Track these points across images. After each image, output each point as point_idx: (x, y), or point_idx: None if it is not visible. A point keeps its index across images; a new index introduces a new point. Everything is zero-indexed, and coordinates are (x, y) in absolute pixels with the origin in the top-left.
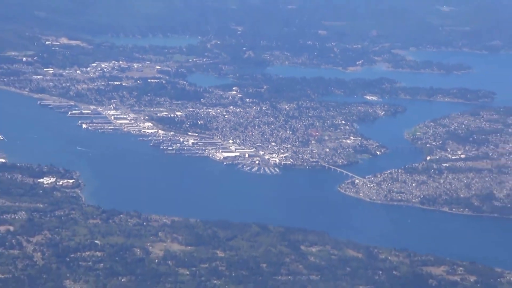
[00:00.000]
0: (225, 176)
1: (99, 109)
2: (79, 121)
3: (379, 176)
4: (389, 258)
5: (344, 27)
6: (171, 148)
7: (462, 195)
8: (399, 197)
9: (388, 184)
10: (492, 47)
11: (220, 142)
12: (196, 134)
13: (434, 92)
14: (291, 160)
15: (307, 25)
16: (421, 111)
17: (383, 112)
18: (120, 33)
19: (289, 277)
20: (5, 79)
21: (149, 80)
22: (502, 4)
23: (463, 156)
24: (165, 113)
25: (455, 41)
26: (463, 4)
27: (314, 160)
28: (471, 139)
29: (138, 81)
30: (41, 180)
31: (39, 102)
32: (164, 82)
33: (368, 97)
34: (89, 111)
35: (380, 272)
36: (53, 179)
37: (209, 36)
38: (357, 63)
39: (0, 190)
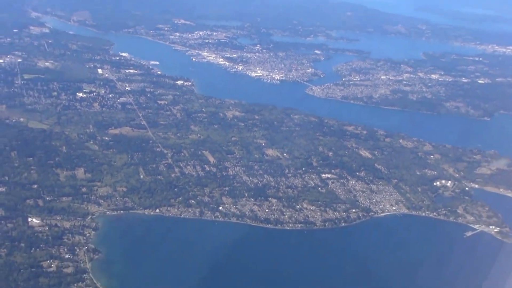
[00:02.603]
0: (255, 83)
1: (200, 52)
2: (191, 57)
3: (322, 86)
4: (329, 122)
5: (304, 21)
6: (232, 70)
7: (358, 95)
8: (332, 96)
9: (326, 90)
10: (369, 31)
11: (253, 68)
12: (242, 65)
13: (344, 50)
14: (284, 78)
15: (289, 19)
16: (339, 59)
17: (323, 58)
18: (208, 19)
19: (287, 128)
20: (157, 37)
21: (221, 40)
22: (378, 11)
23: (358, 79)
24: (228, 55)
25: (353, 28)
26: (357, 11)
27: (294, 78)
28: (361, 71)
29: (216, 40)
30: (176, 82)
31: (173, 48)
32: (227, 41)
33: (316, 51)
34: (195, 52)
35: (325, 127)
36: (182, 81)
37: (246, 22)
38: (311, 36)
39: (159, 85)
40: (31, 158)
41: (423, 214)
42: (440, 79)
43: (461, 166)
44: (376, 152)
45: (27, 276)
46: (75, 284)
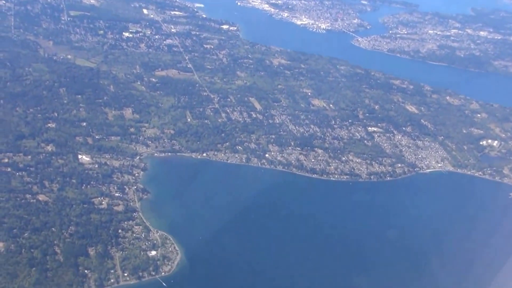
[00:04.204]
0: (300, 31)
1: None
2: (236, 1)
3: (368, 38)
4: (376, 75)
5: None
6: (277, 17)
7: (405, 49)
8: (378, 48)
9: (372, 42)
10: None
11: (298, 16)
12: (288, 12)
13: (391, 2)
14: (329, 27)
15: None
16: (386, 11)
17: (369, 9)
18: None
19: (333, 78)
20: None
21: None
22: None
23: (405, 32)
24: (273, 1)
25: None
26: None
27: (340, 28)
28: (409, 25)
29: None
30: (222, 26)
31: None
32: None
33: (363, 2)
34: None
35: (372, 80)
36: (227, 26)
37: None
38: None
39: (204, 29)
40: (79, 96)
41: (469, 172)
42: (488, 37)
43: (508, 126)
44: (422, 108)
45: (79, 211)
46: (125, 222)
